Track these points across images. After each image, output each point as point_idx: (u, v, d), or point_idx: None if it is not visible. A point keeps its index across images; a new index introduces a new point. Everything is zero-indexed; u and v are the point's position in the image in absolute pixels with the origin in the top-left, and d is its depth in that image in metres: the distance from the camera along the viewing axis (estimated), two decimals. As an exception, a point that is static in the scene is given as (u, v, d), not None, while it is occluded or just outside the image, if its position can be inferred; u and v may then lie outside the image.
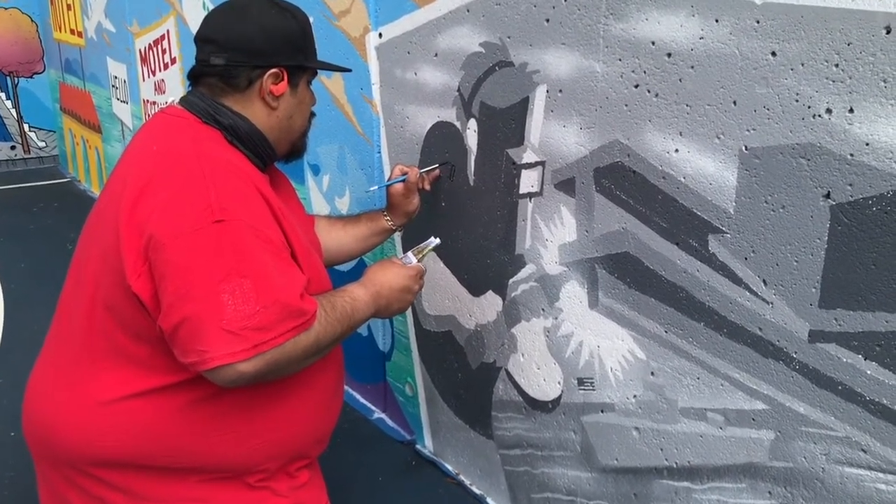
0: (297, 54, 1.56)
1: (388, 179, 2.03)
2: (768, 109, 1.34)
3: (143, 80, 4.59)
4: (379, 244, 2.09)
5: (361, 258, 2.59)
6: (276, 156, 1.63)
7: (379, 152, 2.43)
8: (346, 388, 2.93)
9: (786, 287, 1.38)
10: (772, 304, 1.40)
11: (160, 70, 4.29)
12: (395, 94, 2.29)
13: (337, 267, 2.75)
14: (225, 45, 1.51)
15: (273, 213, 1.47)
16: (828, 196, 1.28)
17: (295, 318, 1.40)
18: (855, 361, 1.29)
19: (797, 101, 1.29)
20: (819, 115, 1.27)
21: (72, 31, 6.15)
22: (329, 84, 2.59)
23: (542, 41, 1.75)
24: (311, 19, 1.62)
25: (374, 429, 2.70)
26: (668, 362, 1.63)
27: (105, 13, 5.09)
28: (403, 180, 1.98)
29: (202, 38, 1.54)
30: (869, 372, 1.28)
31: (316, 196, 2.84)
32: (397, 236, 2.42)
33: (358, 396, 2.87)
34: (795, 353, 1.38)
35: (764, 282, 1.41)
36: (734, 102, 1.39)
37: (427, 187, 2.07)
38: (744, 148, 1.39)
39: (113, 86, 5.25)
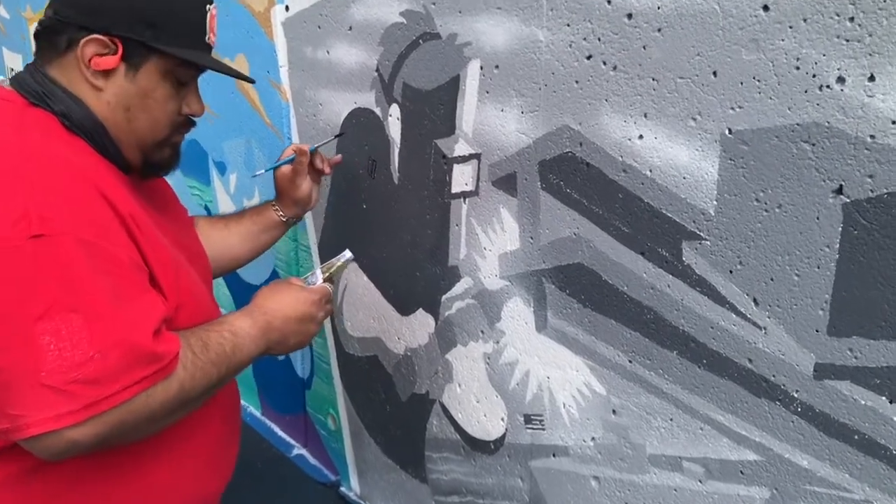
0: (140, 26, 1.18)
1: (279, 161, 1.68)
2: (759, 81, 1.04)
3: (42, 71, 4.11)
4: (272, 241, 1.73)
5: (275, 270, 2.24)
6: (124, 160, 1.25)
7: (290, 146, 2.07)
8: (262, 419, 2.57)
9: (783, 308, 1.08)
10: (765, 329, 1.11)
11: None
12: (305, 77, 1.94)
13: (249, 280, 2.39)
14: None
15: (123, 223, 1.13)
16: (840, 191, 0.99)
17: (146, 365, 1.07)
18: (876, 404, 1.00)
19: (798, 68, 1.00)
20: (828, 87, 0.97)
21: (-31, 21, 5.59)
22: (231, 66, 2.22)
23: (474, 6, 1.43)
24: (210, 6, 1.27)
25: (293, 468, 2.34)
26: (634, 399, 1.32)
27: (0, -1, 4.59)
28: (292, 160, 1.64)
29: None
30: (895, 418, 0.99)
31: (223, 198, 2.46)
32: (314, 248, 2.07)
33: (275, 429, 2.51)
34: (796, 391, 1.09)
35: (755, 301, 1.11)
36: (714, 73, 1.09)
37: (327, 170, 1.71)
38: (727, 131, 1.09)
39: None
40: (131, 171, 1.28)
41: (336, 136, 1.78)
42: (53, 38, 1.17)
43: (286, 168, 1.64)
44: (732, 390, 1.17)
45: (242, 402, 2.64)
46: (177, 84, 1.26)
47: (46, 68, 1.18)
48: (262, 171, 1.75)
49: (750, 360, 1.14)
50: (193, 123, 1.34)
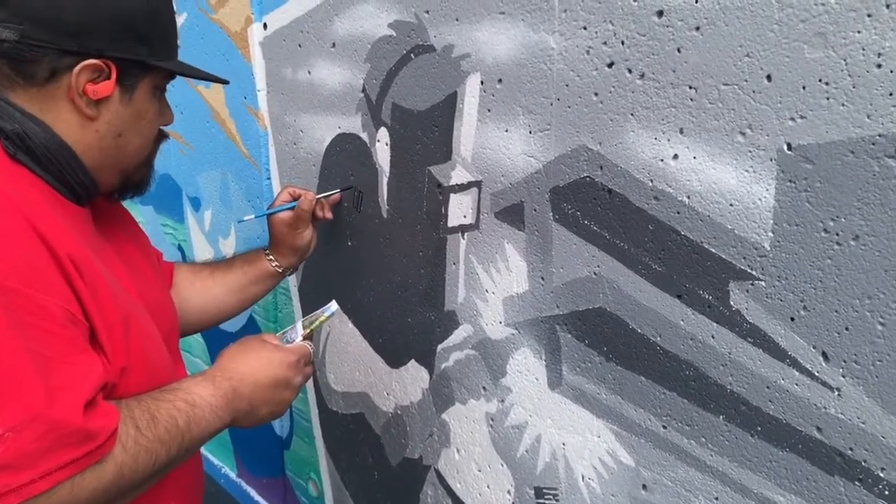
0: (135, 43, 1.04)
1: (273, 206, 1.50)
2: (828, 84, 0.84)
3: None
4: (263, 294, 1.55)
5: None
6: (96, 187, 1.08)
7: (269, 178, 1.87)
8: (238, 481, 2.32)
9: (863, 365, 0.87)
10: (838, 390, 0.89)
11: None
12: (285, 102, 1.74)
13: (224, 327, 2.16)
14: (19, 10, 0.98)
15: (60, 267, 0.93)
16: (939, 218, 0.79)
17: (73, 446, 0.86)
18: None
19: (880, 66, 0.80)
20: (921, 87, 0.78)
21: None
22: (206, 93, 2.04)
23: (473, 12, 1.24)
24: (183, 14, 1.11)
25: (271, 538, 2.09)
26: (669, 472, 1.10)
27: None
28: (292, 207, 1.46)
29: None
30: None
31: (197, 237, 2.25)
32: (294, 290, 1.86)
33: (252, 493, 2.26)
34: (882, 469, 0.87)
35: (824, 355, 0.90)
36: (768, 77, 0.90)
37: (329, 216, 1.55)
38: (786, 147, 0.89)
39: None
40: (89, 199, 1.10)
41: (343, 190, 1.59)
42: (23, 66, 0.99)
43: (285, 215, 1.47)
44: (796, 465, 0.95)
45: (217, 461, 2.40)
46: (160, 98, 1.14)
47: (7, 93, 1.00)
48: (252, 216, 1.58)
49: (819, 429, 0.92)
50: (166, 135, 1.21)
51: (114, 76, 1.03)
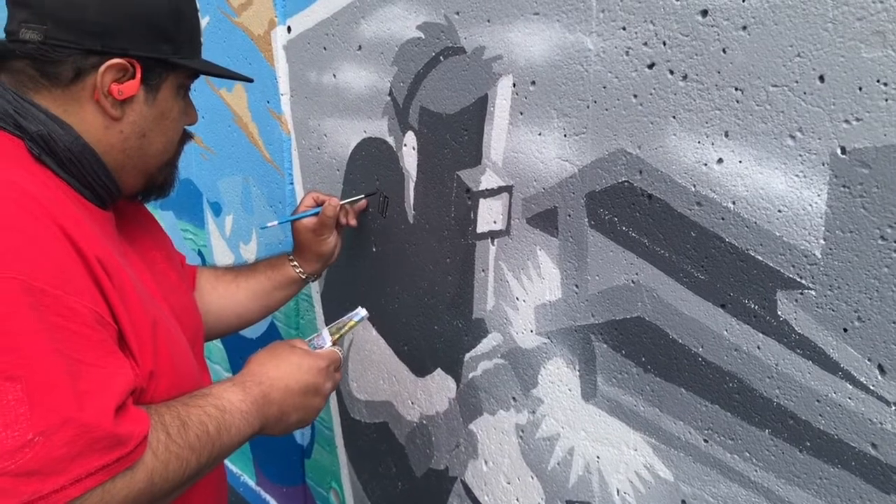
0: (159, 42, 1.03)
1: (297, 211, 1.48)
2: (886, 85, 0.81)
3: None
4: (286, 300, 1.53)
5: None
6: (119, 189, 1.07)
7: (291, 183, 1.85)
8: (257, 489, 2.30)
9: (923, 379, 0.83)
10: (895, 405, 0.85)
11: None
12: (309, 106, 1.72)
13: (245, 333, 2.14)
14: (42, 10, 0.97)
15: (88, 268, 0.92)
16: None
17: (104, 452, 0.83)
18: None
19: (944, 65, 0.77)
20: None
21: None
22: (228, 97, 2.02)
23: (506, 13, 1.21)
24: (206, 18, 1.11)
25: (291, 548, 2.06)
26: (711, 487, 1.06)
27: None
28: (317, 213, 1.44)
29: (14, 0, 1.00)
30: None
31: (218, 243, 2.23)
32: (317, 297, 1.83)
33: (271, 501, 2.23)
34: (944, 489, 0.83)
35: (880, 368, 0.86)
36: (821, 78, 0.86)
37: (353, 223, 1.52)
38: (839, 151, 0.86)
39: None
40: (112, 203, 1.08)
41: (367, 196, 1.57)
42: (47, 67, 0.99)
43: (309, 221, 1.45)
44: (848, 483, 0.91)
45: (236, 469, 2.38)
46: (184, 97, 1.13)
47: (32, 95, 0.99)
48: (276, 223, 1.57)
49: (874, 446, 0.88)
50: (191, 136, 1.20)
51: (138, 75, 1.02)
